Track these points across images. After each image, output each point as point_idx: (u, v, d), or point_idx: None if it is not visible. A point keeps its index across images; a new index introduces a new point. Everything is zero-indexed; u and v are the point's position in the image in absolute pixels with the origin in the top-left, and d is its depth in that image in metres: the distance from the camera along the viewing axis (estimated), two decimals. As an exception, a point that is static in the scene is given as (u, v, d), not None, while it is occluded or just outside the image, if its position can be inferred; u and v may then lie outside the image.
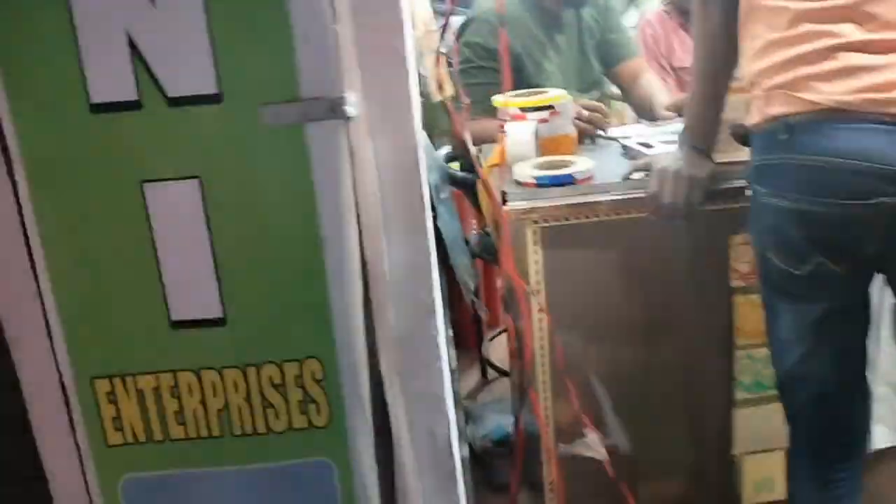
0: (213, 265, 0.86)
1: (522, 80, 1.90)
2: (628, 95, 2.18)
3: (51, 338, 0.90)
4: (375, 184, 0.82)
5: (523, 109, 1.63)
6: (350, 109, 0.79)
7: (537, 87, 1.82)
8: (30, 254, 0.90)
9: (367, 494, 0.96)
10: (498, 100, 1.69)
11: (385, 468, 0.97)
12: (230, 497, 0.93)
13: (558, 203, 1.40)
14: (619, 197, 1.40)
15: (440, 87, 1.79)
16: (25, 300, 0.90)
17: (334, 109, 0.79)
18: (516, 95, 1.70)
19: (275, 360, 0.89)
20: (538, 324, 1.47)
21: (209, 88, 0.84)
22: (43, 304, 0.90)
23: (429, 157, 2.06)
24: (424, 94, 1.98)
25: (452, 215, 2.05)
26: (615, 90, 2.28)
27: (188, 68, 0.85)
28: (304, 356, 0.88)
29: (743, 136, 1.36)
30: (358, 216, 0.83)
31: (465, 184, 2.08)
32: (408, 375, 0.88)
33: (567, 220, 1.40)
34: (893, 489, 1.60)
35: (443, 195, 2.08)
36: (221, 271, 0.87)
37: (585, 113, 1.75)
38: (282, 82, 0.82)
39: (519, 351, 1.63)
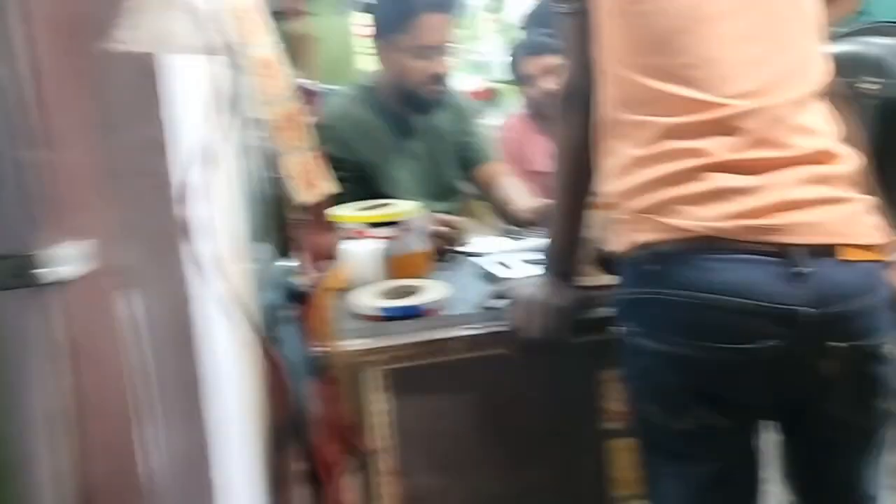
0: None
1: (370, 190, 1.71)
2: (488, 199, 2.05)
3: None
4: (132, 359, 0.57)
5: (368, 225, 1.43)
6: (60, 271, 0.55)
7: (387, 197, 1.63)
8: None
9: None
10: (338, 213, 1.48)
11: None
12: None
13: (405, 340, 1.18)
14: (477, 331, 1.20)
15: (309, 187, 1.57)
16: None
17: (26, 271, 0.54)
18: (361, 208, 1.50)
19: None
20: (385, 486, 1.22)
21: None
22: None
23: (266, 273, 1.81)
24: (281, 198, 1.76)
25: (297, 337, 1.79)
26: (475, 194, 2.15)
27: None
28: None
29: (606, 262, 1.21)
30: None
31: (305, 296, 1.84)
32: None
33: (415, 359, 1.18)
34: None
35: (285, 315, 1.82)
36: None
37: (441, 228, 1.58)
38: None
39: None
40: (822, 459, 1.04)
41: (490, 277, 1.41)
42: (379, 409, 1.18)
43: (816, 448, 1.04)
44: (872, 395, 0.99)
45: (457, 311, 1.27)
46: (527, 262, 1.42)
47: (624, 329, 1.03)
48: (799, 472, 1.09)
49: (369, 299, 1.26)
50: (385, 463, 1.20)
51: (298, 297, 1.84)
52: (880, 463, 1.05)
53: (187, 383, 0.68)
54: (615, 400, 1.25)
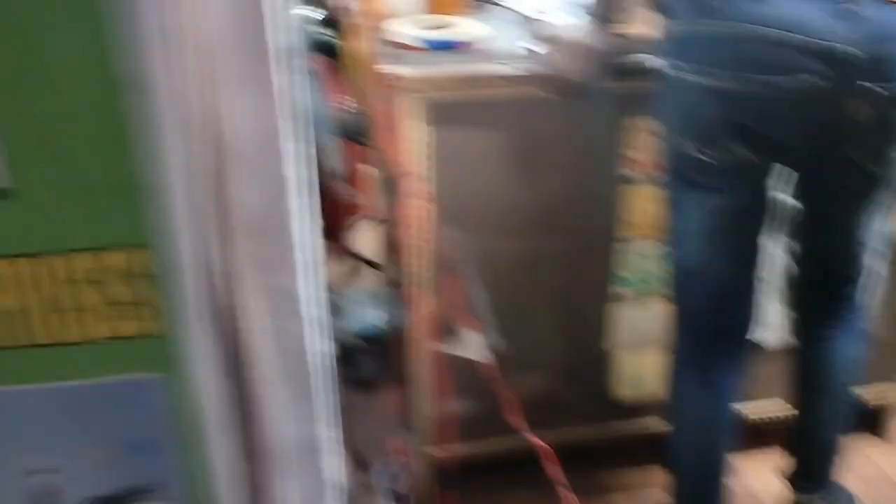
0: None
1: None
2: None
3: None
4: (207, 18, 0.59)
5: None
6: None
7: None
8: None
9: (211, 410, 0.78)
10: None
11: (231, 378, 0.80)
12: (25, 423, 0.73)
13: (450, 72, 1.20)
14: (516, 70, 1.22)
15: None
16: None
17: None
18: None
19: (82, 249, 0.67)
20: (422, 213, 1.30)
21: None
22: None
23: (282, 15, 1.77)
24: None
25: (312, 87, 1.79)
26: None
27: None
28: (117, 244, 0.67)
29: (652, 6, 1.21)
30: (179, 60, 0.60)
31: (330, 49, 1.82)
32: (258, 267, 0.69)
33: (455, 91, 1.21)
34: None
35: (298, 62, 1.81)
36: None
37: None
38: None
39: (395, 243, 1.48)
40: (829, 202, 1.13)
41: (528, 21, 1.41)
42: (420, 139, 1.23)
43: (826, 191, 1.12)
44: (892, 142, 1.04)
45: (496, 50, 1.28)
46: (565, 8, 1.41)
47: (667, 63, 1.06)
48: (804, 215, 1.18)
49: (411, 29, 1.27)
50: (425, 190, 1.26)
51: (323, 49, 1.81)
52: (878, 211, 1.14)
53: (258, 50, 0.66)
54: (636, 148, 1.31)
